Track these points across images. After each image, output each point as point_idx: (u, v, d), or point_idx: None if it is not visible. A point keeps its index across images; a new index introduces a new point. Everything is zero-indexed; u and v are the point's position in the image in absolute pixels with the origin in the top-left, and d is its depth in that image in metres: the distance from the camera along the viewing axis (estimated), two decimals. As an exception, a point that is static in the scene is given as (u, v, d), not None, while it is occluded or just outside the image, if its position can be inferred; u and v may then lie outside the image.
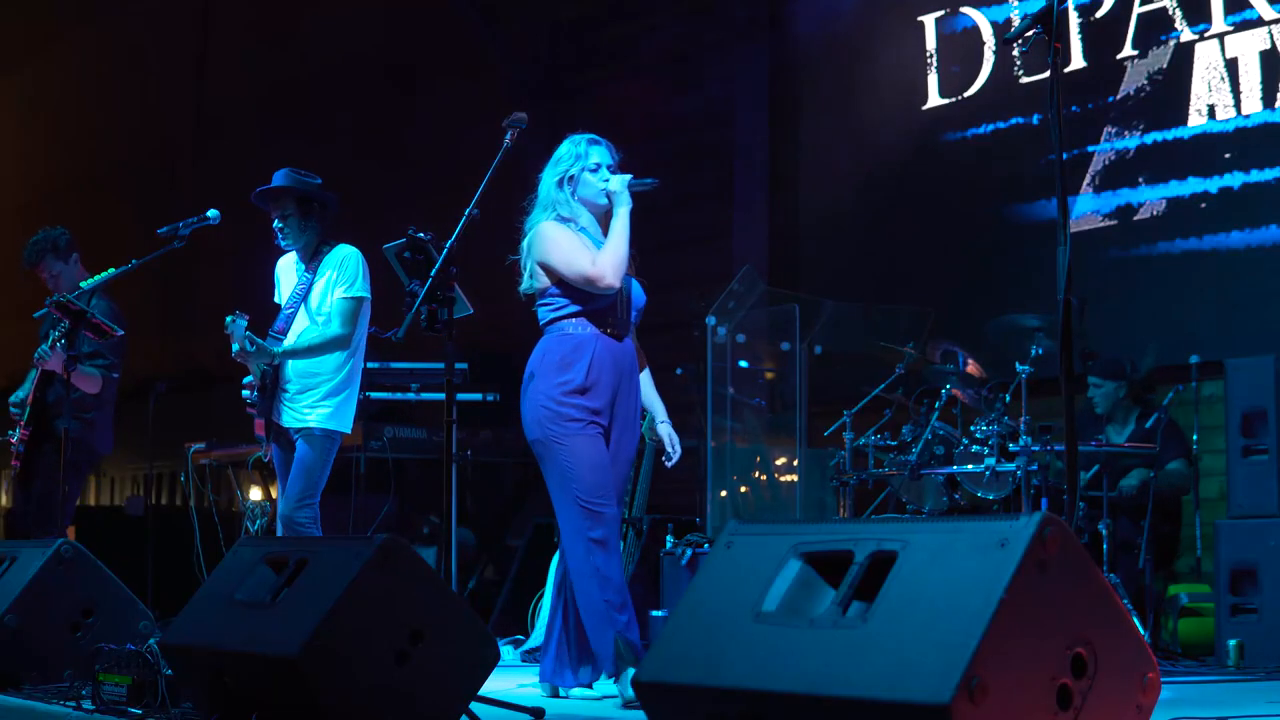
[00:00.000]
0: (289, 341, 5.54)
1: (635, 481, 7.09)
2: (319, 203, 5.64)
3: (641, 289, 4.93)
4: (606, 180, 4.81)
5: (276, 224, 5.62)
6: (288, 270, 5.74)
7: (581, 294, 4.71)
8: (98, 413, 6.68)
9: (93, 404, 6.63)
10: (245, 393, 5.57)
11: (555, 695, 4.80)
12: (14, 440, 6.64)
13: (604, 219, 4.82)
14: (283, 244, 5.65)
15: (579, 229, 4.79)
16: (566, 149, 4.88)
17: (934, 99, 8.60)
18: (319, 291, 5.57)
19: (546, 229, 4.76)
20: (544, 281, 4.76)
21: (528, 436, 4.75)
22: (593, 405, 4.67)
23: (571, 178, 4.83)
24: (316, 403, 5.50)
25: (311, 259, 5.63)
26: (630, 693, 4.43)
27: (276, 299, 5.74)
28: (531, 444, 4.75)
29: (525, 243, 4.83)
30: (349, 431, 5.63)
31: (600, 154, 4.85)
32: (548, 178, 4.86)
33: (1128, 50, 7.70)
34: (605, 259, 4.67)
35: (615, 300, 4.76)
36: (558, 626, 4.82)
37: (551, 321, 4.76)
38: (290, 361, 5.52)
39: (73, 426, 6.44)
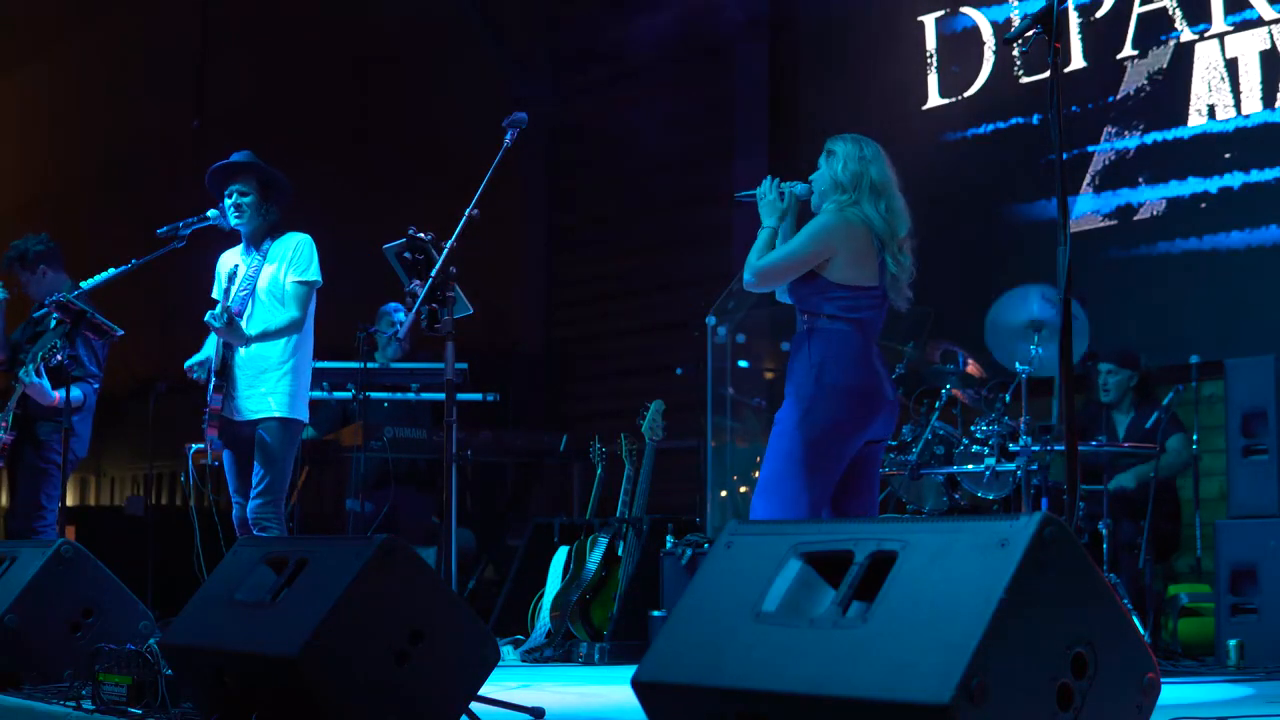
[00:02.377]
0: (246, 329, 5.49)
1: (635, 481, 7.09)
2: (279, 189, 5.62)
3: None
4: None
5: (236, 200, 5.56)
6: (230, 263, 5.69)
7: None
8: (78, 416, 6.68)
9: (75, 410, 6.63)
10: (197, 372, 5.52)
11: None
12: None
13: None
14: (235, 222, 5.58)
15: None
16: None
17: (934, 99, 8.60)
18: (269, 276, 5.52)
19: None
20: None
21: None
22: None
23: None
24: (271, 390, 5.45)
25: (260, 245, 5.59)
26: None
27: (216, 293, 5.69)
28: None
29: None
30: (306, 420, 5.61)
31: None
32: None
33: (1128, 50, 7.70)
34: None
35: None
36: None
37: None
38: (239, 354, 5.48)
39: (56, 431, 6.47)
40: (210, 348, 5.61)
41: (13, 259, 6.82)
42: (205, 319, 5.43)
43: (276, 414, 5.44)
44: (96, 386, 6.72)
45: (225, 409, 5.47)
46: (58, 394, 6.36)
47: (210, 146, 14.03)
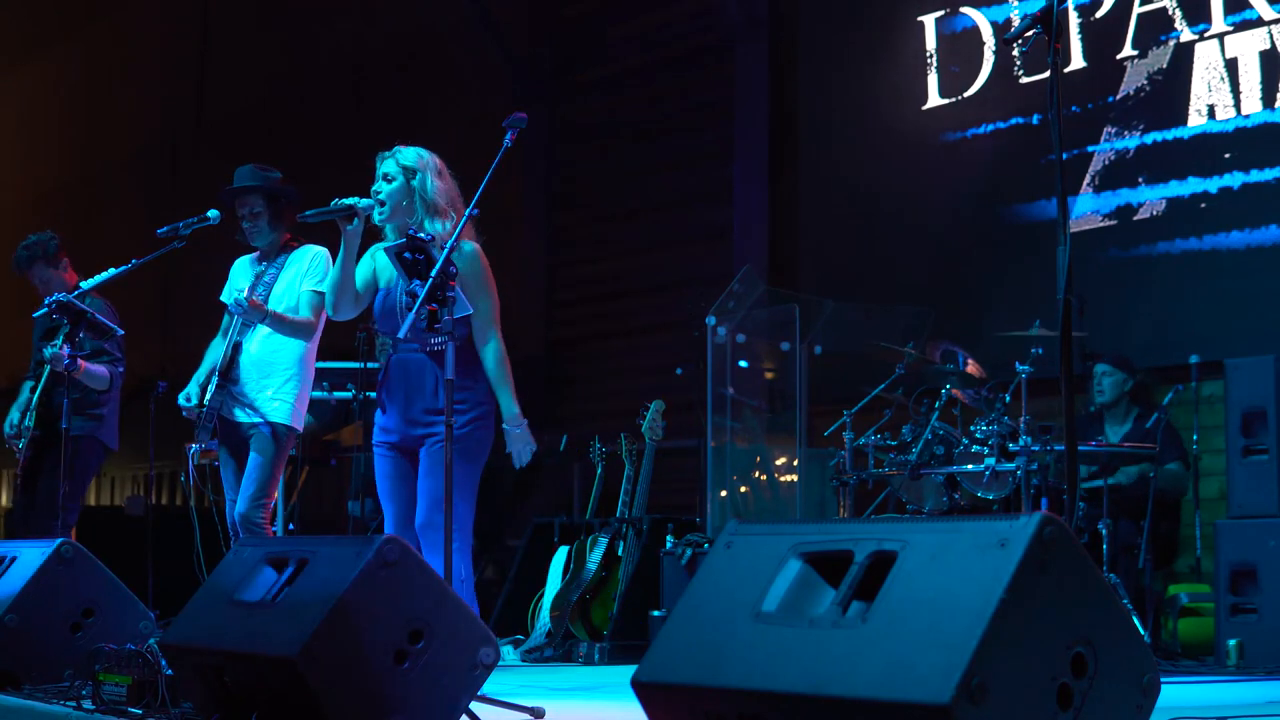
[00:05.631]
0: (256, 338, 5.51)
1: (635, 481, 7.09)
2: (285, 198, 5.65)
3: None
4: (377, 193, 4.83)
5: (246, 222, 5.63)
6: (242, 271, 5.73)
7: (375, 315, 4.90)
8: (107, 409, 6.70)
9: (103, 399, 6.66)
10: (190, 408, 5.56)
11: None
12: (19, 449, 6.65)
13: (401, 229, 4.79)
14: (254, 242, 5.67)
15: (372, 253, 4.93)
16: None
17: (934, 99, 8.60)
18: (284, 286, 5.55)
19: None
20: None
21: None
22: (387, 425, 4.83)
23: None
24: (276, 394, 5.48)
25: (275, 256, 5.63)
26: None
27: (224, 298, 5.73)
28: None
29: None
30: (301, 429, 5.65)
31: (381, 167, 4.86)
32: None
33: (1128, 50, 7.70)
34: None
35: (398, 321, 4.74)
36: None
37: None
38: (246, 355, 5.51)
39: (85, 425, 6.53)
40: (207, 365, 5.64)
41: (36, 256, 6.82)
42: (227, 302, 5.45)
43: (279, 420, 5.46)
44: (121, 370, 6.73)
45: (225, 410, 5.48)
46: (96, 368, 6.44)
47: (210, 146, 14.06)
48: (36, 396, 6.62)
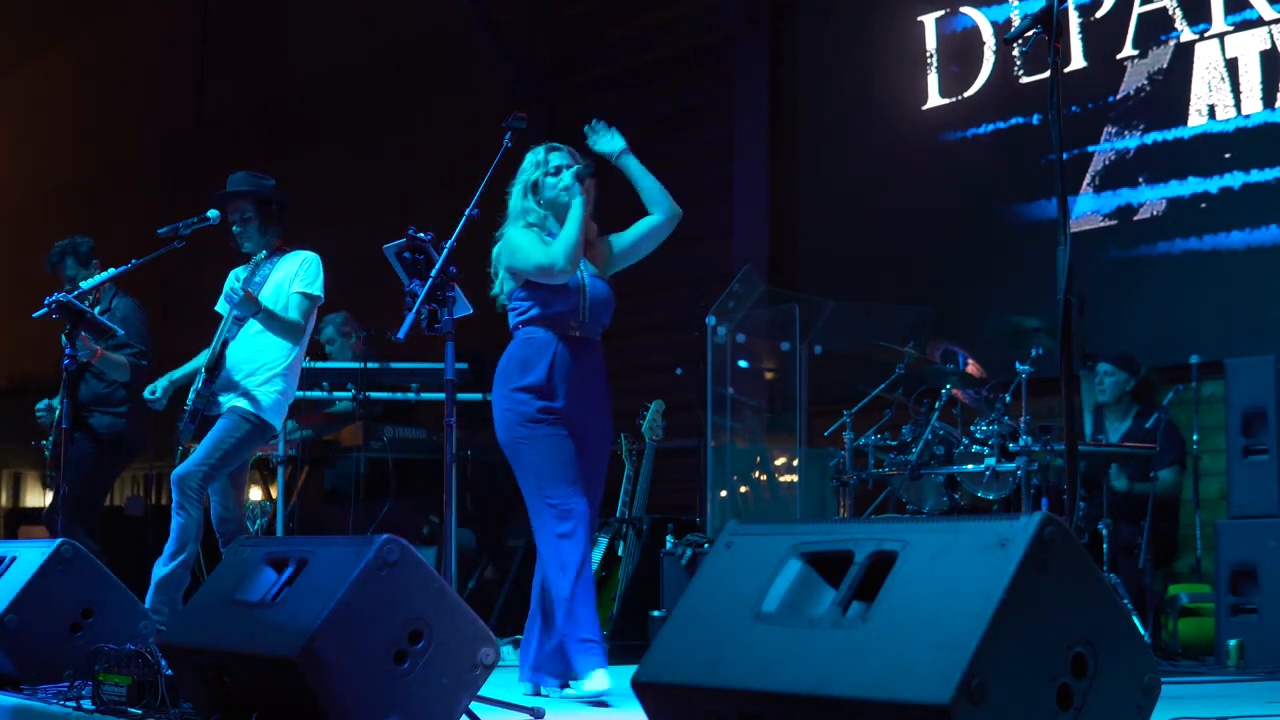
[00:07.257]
0: (244, 336, 5.55)
1: (635, 481, 7.09)
2: (276, 204, 5.68)
3: (609, 290, 4.95)
4: (566, 182, 4.88)
5: (235, 227, 5.67)
6: (238, 278, 5.76)
7: (542, 297, 4.82)
8: (134, 404, 6.71)
9: (136, 396, 6.68)
10: (158, 397, 5.59)
11: (536, 694, 4.82)
12: (48, 448, 6.67)
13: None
14: (244, 247, 5.71)
15: (546, 235, 4.88)
16: (528, 159, 4.99)
17: (934, 99, 8.60)
18: (273, 288, 5.59)
19: (510, 234, 4.90)
20: (510, 285, 4.88)
21: (499, 439, 4.83)
22: (554, 406, 4.76)
23: (535, 184, 4.91)
24: (258, 388, 5.51)
25: (265, 260, 5.66)
26: (588, 689, 4.54)
27: (219, 308, 5.75)
28: (502, 446, 4.84)
29: (495, 251, 4.94)
30: (277, 429, 5.65)
31: (559, 158, 4.95)
32: (514, 190, 4.98)
33: (1128, 50, 7.70)
34: (556, 247, 4.80)
35: (577, 304, 4.86)
36: (537, 626, 4.84)
37: (516, 326, 4.90)
38: (233, 352, 5.54)
39: (104, 422, 6.59)
40: (187, 366, 5.67)
41: (67, 255, 6.86)
42: (224, 292, 5.48)
43: (257, 402, 5.49)
44: (145, 364, 6.74)
45: (208, 408, 5.51)
46: (115, 356, 6.46)
47: (210, 147, 14.05)
48: (62, 394, 6.64)
